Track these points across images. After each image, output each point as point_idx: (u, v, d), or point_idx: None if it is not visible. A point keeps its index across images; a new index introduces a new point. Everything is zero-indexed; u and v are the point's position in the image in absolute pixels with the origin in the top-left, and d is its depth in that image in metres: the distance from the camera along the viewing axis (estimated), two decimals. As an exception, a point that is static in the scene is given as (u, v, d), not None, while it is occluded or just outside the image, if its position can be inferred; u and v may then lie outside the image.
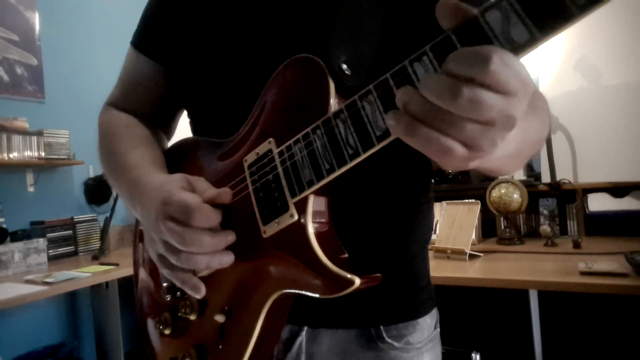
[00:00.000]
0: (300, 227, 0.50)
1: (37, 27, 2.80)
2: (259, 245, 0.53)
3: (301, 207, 0.50)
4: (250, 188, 0.54)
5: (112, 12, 3.20)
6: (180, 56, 0.69)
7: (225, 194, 0.53)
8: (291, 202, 0.50)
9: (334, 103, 0.48)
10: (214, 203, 0.52)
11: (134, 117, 0.74)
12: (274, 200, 0.51)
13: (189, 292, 0.54)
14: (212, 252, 0.51)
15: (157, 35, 0.72)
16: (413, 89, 0.35)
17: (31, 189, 2.69)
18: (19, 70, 2.68)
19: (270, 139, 0.53)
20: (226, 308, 0.56)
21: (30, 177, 2.69)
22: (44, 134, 2.62)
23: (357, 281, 0.46)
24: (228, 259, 0.53)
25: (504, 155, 0.37)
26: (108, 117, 0.75)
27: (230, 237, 0.53)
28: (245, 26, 0.62)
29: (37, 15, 2.80)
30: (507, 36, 0.32)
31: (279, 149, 0.51)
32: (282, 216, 0.51)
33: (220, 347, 0.56)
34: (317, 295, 0.49)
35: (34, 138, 2.58)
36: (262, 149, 0.54)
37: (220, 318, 0.56)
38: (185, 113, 0.77)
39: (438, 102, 0.33)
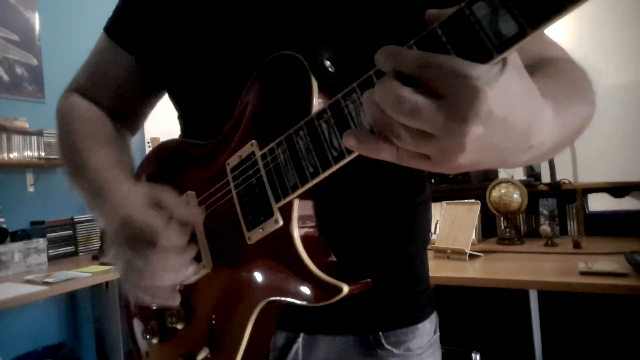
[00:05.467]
0: (286, 233, 0.48)
1: (37, 27, 2.80)
2: (244, 252, 0.51)
3: (286, 212, 0.48)
4: (234, 192, 0.53)
5: (112, 12, 3.19)
6: (156, 49, 0.66)
7: (196, 217, 0.52)
8: (275, 207, 0.49)
9: (317, 101, 0.47)
10: (184, 223, 0.51)
11: (97, 107, 0.70)
12: (258, 206, 0.50)
13: (163, 304, 0.54)
14: (177, 270, 0.50)
15: (131, 24, 0.68)
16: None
17: (31, 189, 2.69)
18: (19, 70, 2.68)
19: (253, 141, 0.51)
20: (213, 316, 0.55)
21: (30, 177, 2.68)
22: (44, 134, 2.61)
23: (346, 288, 0.44)
24: (192, 272, 0.53)
25: (536, 156, 0.37)
26: (69, 105, 0.70)
27: (195, 252, 0.53)
28: (227, 21, 0.61)
29: (37, 15, 2.80)
30: (495, 29, 0.30)
31: (262, 152, 0.50)
32: (266, 222, 0.49)
33: (209, 356, 0.55)
34: (305, 304, 0.47)
35: (34, 138, 2.58)
36: (244, 151, 0.52)
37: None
38: (175, 111, 0.74)
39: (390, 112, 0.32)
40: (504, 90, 0.31)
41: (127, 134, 0.76)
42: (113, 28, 0.70)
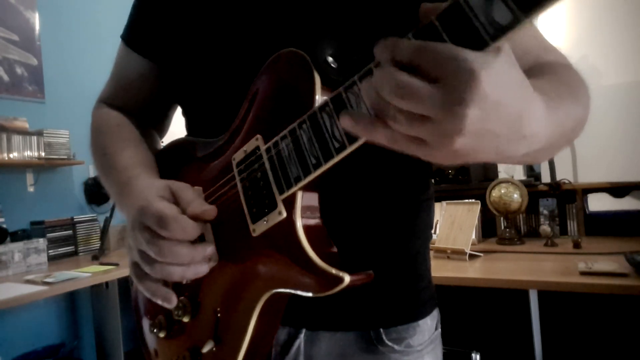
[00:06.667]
0: (289, 225, 0.49)
1: (37, 27, 2.80)
2: (249, 244, 0.52)
3: (289, 204, 0.49)
4: (239, 186, 0.54)
5: (112, 11, 3.20)
6: (169, 53, 0.68)
7: (210, 211, 0.52)
8: (279, 199, 0.49)
9: (320, 97, 0.47)
10: (197, 218, 0.51)
11: (126, 114, 0.74)
12: (262, 198, 0.51)
13: (160, 303, 0.54)
14: (188, 264, 0.51)
15: (146, 31, 0.71)
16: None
17: (31, 189, 2.69)
18: (19, 70, 2.68)
19: (258, 136, 0.52)
20: (218, 309, 0.55)
21: (30, 177, 2.69)
22: (44, 134, 2.62)
23: (347, 278, 0.45)
24: (203, 269, 0.52)
25: (527, 153, 0.37)
26: (100, 115, 0.75)
27: (209, 250, 0.52)
28: (232, 20, 0.62)
29: (37, 15, 2.80)
30: (489, 18, 0.31)
31: (266, 146, 0.51)
32: (270, 214, 0.50)
33: (214, 349, 0.55)
34: (309, 294, 0.48)
35: (34, 138, 2.58)
36: (249, 146, 0.53)
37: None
38: (179, 111, 0.76)
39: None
40: (498, 76, 0.31)
41: (156, 136, 0.79)
42: (127, 35, 0.73)
